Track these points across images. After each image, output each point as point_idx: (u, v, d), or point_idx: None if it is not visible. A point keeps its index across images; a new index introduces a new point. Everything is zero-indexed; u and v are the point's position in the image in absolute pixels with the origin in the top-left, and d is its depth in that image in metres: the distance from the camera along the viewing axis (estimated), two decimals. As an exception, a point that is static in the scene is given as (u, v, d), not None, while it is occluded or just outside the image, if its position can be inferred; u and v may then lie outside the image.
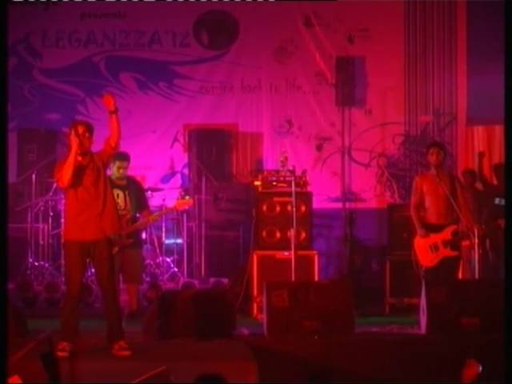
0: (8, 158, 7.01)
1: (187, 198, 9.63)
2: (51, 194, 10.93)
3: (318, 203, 10.60)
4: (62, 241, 7.43)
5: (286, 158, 9.71)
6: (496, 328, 7.21)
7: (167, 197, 11.10)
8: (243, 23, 12.39)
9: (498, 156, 11.76)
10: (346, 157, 12.24)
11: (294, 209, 9.07)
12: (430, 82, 12.33)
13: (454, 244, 8.66)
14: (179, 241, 11.25)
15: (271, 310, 7.69)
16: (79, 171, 6.86)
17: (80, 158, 6.87)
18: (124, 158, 8.95)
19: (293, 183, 9.19)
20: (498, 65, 8.96)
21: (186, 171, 12.30)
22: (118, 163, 8.90)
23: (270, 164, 12.02)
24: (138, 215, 9.20)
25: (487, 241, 10.16)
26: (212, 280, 10.47)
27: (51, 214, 10.96)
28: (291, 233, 9.01)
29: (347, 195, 12.17)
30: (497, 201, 9.76)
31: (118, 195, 8.61)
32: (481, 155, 11.86)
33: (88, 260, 7.06)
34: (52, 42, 12.34)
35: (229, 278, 10.22)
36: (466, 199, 8.87)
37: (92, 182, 6.90)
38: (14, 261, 9.76)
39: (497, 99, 9.06)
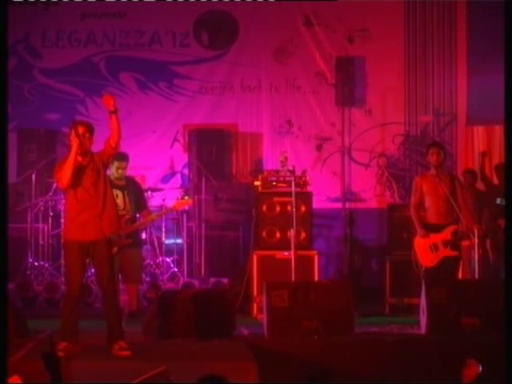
0: (8, 158, 7.00)
1: (186, 197, 9.62)
2: (51, 194, 10.93)
3: (317, 203, 10.61)
4: (62, 241, 7.42)
5: (286, 158, 9.71)
6: (496, 328, 7.20)
7: (167, 197, 11.10)
8: (243, 23, 12.39)
9: (498, 156, 11.76)
10: (346, 157, 12.24)
11: (294, 209, 9.06)
12: (429, 82, 12.34)
13: (453, 244, 8.66)
14: (179, 241, 11.25)
15: (271, 310, 7.69)
16: (79, 171, 6.86)
17: (80, 159, 6.87)
18: (123, 158, 8.94)
19: (293, 183, 9.18)
20: (498, 65, 8.95)
21: (185, 171, 12.30)
22: (116, 163, 8.88)
23: (269, 164, 12.03)
24: (137, 215, 9.20)
25: (487, 241, 10.17)
26: (212, 280, 10.48)
27: (51, 214, 10.97)
28: (291, 233, 9.01)
29: (347, 195, 12.17)
30: (498, 201, 9.76)
31: (116, 195, 8.59)
32: (483, 154, 11.85)
33: (88, 260, 7.05)
34: (52, 42, 12.35)
35: (229, 278, 10.22)
36: (465, 199, 8.87)
37: (92, 182, 6.90)
38: (14, 261, 9.78)
39: (497, 99, 9.05)
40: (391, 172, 12.29)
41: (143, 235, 10.20)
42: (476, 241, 8.45)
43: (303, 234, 9.51)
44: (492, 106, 11.02)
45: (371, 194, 12.29)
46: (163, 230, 11.01)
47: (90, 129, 6.90)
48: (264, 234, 9.59)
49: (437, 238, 8.65)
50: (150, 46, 12.39)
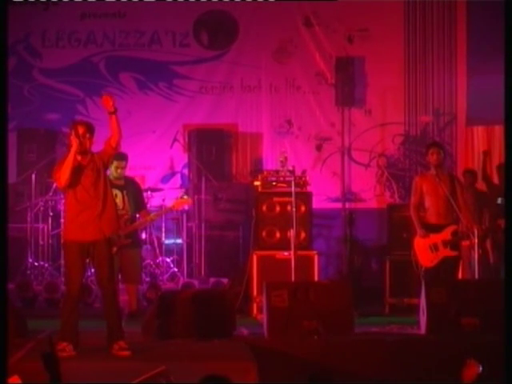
0: (8, 158, 6.99)
1: (185, 197, 9.63)
2: (51, 194, 10.93)
3: (317, 203, 10.61)
4: (62, 241, 7.42)
5: (286, 158, 9.71)
6: (496, 328, 7.19)
7: (167, 197, 11.10)
8: (243, 23, 12.39)
9: (498, 156, 11.76)
10: (346, 157, 12.24)
11: (294, 209, 9.06)
12: (429, 82, 12.34)
13: (453, 244, 8.66)
14: (179, 241, 11.25)
15: (271, 310, 7.69)
16: (79, 171, 6.86)
17: (80, 158, 6.87)
18: (122, 157, 8.93)
19: (292, 183, 9.18)
20: (497, 65, 8.93)
21: (185, 171, 12.30)
22: (115, 163, 8.87)
23: (269, 164, 12.02)
24: (137, 215, 9.20)
25: (487, 241, 10.16)
26: (212, 280, 10.47)
27: (51, 214, 10.97)
28: (291, 233, 9.00)
29: (347, 195, 12.17)
30: (499, 201, 9.76)
31: (116, 195, 8.59)
32: (485, 154, 11.82)
33: (88, 260, 7.05)
34: (52, 42, 12.35)
35: (229, 278, 10.21)
36: (465, 199, 8.86)
37: (92, 182, 6.89)
38: (14, 261, 9.79)
39: (497, 99, 9.04)
40: (391, 172, 12.29)
41: (143, 235, 10.20)
42: (476, 241, 8.45)
43: (303, 234, 9.51)
44: (492, 106, 11.01)
45: (371, 194, 12.29)
46: (163, 229, 11.00)
47: (90, 129, 6.90)
48: (264, 234, 9.59)
49: (437, 238, 8.64)
50: (149, 46, 12.39)
